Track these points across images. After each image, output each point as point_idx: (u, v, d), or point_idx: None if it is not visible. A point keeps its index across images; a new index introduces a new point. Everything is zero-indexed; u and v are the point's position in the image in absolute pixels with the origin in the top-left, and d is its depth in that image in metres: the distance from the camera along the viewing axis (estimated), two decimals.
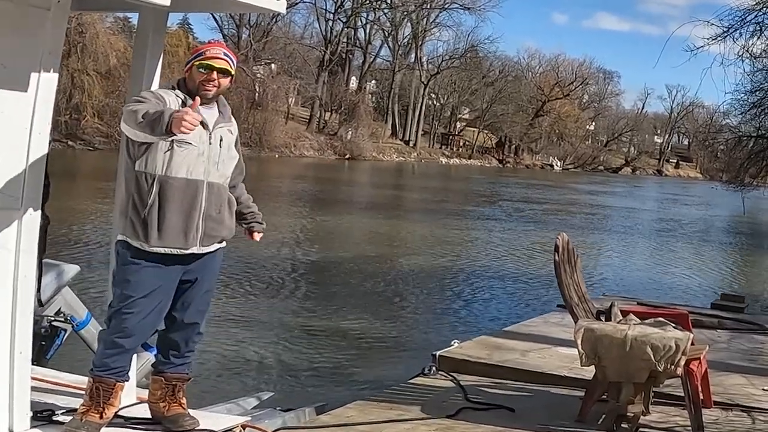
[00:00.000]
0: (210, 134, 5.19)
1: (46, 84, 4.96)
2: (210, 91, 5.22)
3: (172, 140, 4.96)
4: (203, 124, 5.09)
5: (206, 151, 5.17)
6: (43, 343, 6.99)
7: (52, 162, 5.17)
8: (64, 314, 7.14)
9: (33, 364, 5.45)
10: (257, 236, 5.79)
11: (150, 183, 5.05)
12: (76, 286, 7.82)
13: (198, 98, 5.08)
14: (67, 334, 7.22)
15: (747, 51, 24.57)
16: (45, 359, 6.95)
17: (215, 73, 5.23)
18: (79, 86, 56.02)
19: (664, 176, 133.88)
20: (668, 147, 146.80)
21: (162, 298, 5.22)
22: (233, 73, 5.36)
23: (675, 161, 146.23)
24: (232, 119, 5.46)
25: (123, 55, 55.01)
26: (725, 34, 23.53)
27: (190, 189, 5.13)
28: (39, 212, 5.08)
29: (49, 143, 5.07)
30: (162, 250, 5.11)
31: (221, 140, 5.26)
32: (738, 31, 23.73)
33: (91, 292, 12.73)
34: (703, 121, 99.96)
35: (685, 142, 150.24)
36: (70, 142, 54.94)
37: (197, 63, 5.23)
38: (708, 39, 23.57)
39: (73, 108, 56.24)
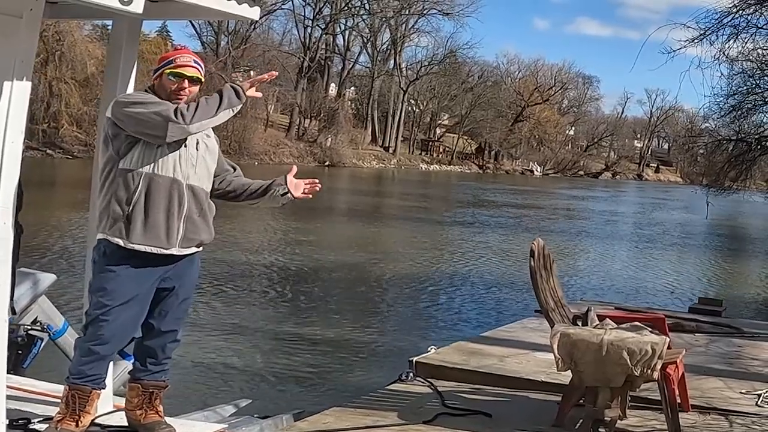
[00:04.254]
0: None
1: (18, 92, 4.93)
2: (181, 99, 5.19)
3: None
4: None
5: (185, 154, 5.17)
6: (20, 352, 6.96)
7: (29, 171, 5.15)
8: (40, 323, 7.11)
9: (10, 372, 5.43)
10: (304, 186, 5.61)
11: (137, 180, 5.04)
12: (53, 294, 7.80)
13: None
14: (44, 343, 7.19)
15: (724, 54, 24.66)
16: (22, 368, 6.93)
17: (186, 81, 5.22)
18: (57, 94, 55.75)
19: (644, 181, 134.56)
20: (648, 151, 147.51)
21: (139, 306, 5.19)
22: (203, 80, 5.35)
23: (655, 165, 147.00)
24: None
25: (101, 63, 54.62)
26: (702, 37, 23.52)
27: (173, 189, 5.12)
28: (12, 221, 5.05)
29: (23, 152, 5.04)
30: (142, 248, 5.07)
31: (197, 144, 5.24)
32: (715, 34, 23.78)
33: (68, 300, 12.69)
34: (683, 125, 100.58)
35: (665, 147, 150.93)
36: (48, 151, 54.63)
37: (168, 71, 5.22)
38: (685, 41, 23.59)
39: (51, 116, 55.87)
